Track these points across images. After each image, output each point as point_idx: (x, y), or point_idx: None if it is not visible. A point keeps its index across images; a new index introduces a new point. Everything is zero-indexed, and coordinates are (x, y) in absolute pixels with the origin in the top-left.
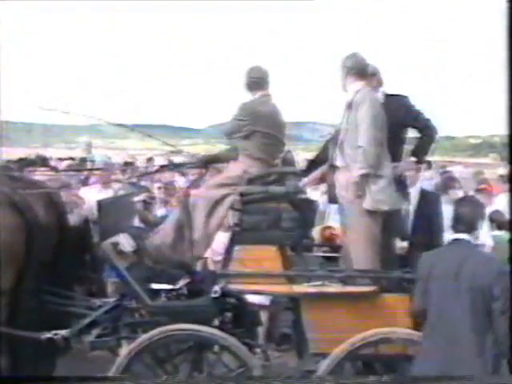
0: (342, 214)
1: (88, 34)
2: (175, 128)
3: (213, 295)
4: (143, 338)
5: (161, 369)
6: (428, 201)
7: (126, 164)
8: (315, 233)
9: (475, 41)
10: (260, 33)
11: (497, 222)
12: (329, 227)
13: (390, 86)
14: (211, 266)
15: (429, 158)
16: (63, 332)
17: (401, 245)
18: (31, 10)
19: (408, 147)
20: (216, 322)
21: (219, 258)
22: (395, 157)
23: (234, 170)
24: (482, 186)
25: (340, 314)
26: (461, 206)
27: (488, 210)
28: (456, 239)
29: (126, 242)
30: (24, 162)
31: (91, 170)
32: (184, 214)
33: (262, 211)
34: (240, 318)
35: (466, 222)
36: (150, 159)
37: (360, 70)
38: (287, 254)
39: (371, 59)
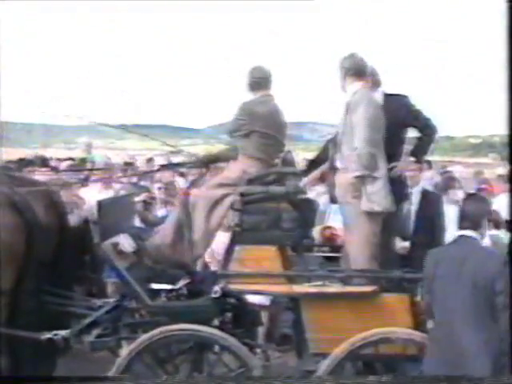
0: (342, 214)
1: (88, 34)
2: (175, 128)
3: (213, 295)
4: (143, 338)
5: (161, 369)
6: (430, 201)
7: (126, 164)
8: (315, 233)
9: (475, 41)
10: (260, 33)
11: (494, 221)
12: (329, 227)
13: (390, 86)
14: (211, 266)
15: (429, 157)
16: (63, 332)
17: (402, 245)
18: (31, 10)
19: (408, 147)
20: (216, 322)
21: (219, 257)
22: (395, 157)
23: (233, 169)
24: (483, 186)
25: (340, 313)
26: (466, 202)
27: None
28: (461, 236)
29: (126, 242)
30: (23, 162)
31: (91, 170)
32: (184, 214)
33: (262, 211)
34: (240, 318)
35: (471, 218)
36: (150, 159)
37: (358, 71)
38: (287, 254)
39: (371, 59)
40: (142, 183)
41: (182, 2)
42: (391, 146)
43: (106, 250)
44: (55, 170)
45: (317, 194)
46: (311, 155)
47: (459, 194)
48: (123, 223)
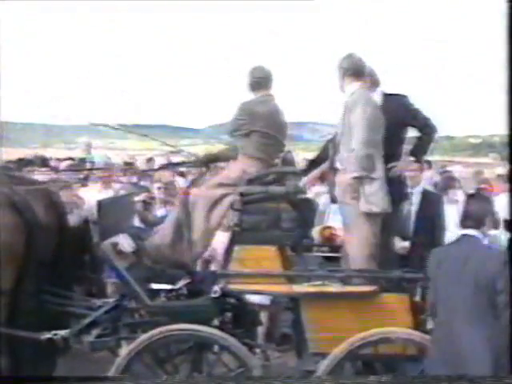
0: (342, 215)
1: (88, 34)
2: (175, 128)
3: (213, 295)
4: (143, 338)
5: (160, 369)
6: (430, 201)
7: (126, 164)
8: (315, 233)
9: (475, 41)
10: (260, 33)
11: (493, 221)
12: (329, 227)
13: (390, 86)
14: (212, 265)
15: (428, 157)
16: (63, 332)
17: (402, 245)
18: (31, 9)
19: (408, 147)
20: (216, 322)
21: (219, 257)
22: (395, 157)
23: (233, 169)
24: (483, 186)
25: (340, 313)
26: (470, 201)
27: None
28: (464, 235)
29: (125, 242)
30: (23, 162)
31: (91, 169)
32: (183, 214)
33: (262, 211)
34: (240, 318)
35: (474, 217)
36: (150, 159)
37: (356, 71)
38: (287, 254)
39: (371, 59)
40: (142, 183)
41: (182, 2)
42: (390, 146)
43: (106, 249)
44: (55, 169)
45: (316, 193)
46: (311, 155)
47: (459, 194)
48: (123, 223)
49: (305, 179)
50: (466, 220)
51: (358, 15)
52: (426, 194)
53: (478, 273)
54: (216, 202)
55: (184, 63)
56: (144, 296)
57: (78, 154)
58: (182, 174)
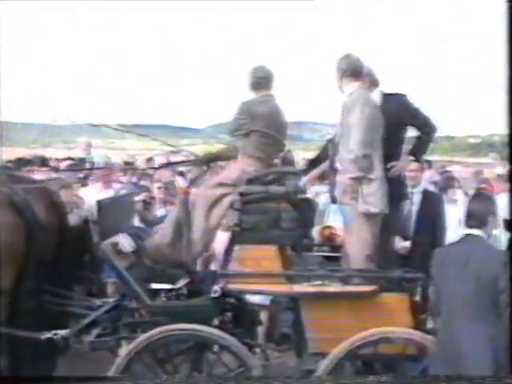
0: (341, 215)
1: (88, 34)
2: (175, 128)
3: (212, 295)
4: (143, 337)
5: (160, 369)
6: (431, 201)
7: (126, 164)
8: (315, 233)
9: (475, 41)
10: (260, 33)
11: None
12: (329, 227)
13: (390, 86)
14: (212, 265)
15: (428, 157)
16: (63, 332)
17: (403, 244)
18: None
19: (407, 147)
20: (216, 322)
21: (219, 257)
22: (394, 156)
23: (233, 169)
24: (483, 186)
25: (340, 313)
26: (473, 201)
27: None
28: (467, 234)
29: (125, 242)
30: (23, 162)
31: (91, 169)
32: (183, 213)
33: (262, 211)
34: (240, 317)
35: (477, 217)
36: (149, 159)
37: (354, 71)
38: (287, 254)
39: (371, 59)
40: (142, 183)
41: (182, 2)
42: (390, 146)
43: (106, 249)
44: (55, 169)
45: (316, 193)
46: (311, 155)
47: (458, 194)
48: (123, 223)
49: (305, 179)
50: (470, 220)
51: (357, 15)
52: (426, 194)
53: (480, 272)
54: (216, 202)
55: (184, 63)
56: (144, 296)
57: (77, 153)
58: (181, 174)
